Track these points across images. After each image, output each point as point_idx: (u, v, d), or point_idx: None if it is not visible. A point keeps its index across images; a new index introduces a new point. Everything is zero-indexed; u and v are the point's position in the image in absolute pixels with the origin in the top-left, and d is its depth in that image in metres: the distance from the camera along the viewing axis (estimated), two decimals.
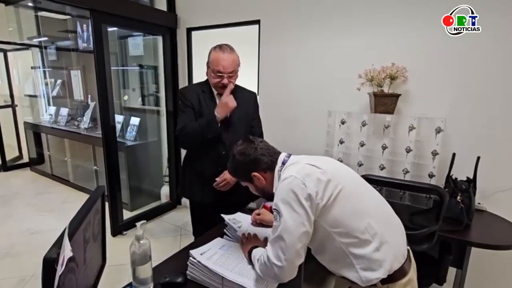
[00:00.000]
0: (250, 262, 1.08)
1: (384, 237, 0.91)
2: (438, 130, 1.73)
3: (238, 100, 1.70)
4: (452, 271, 1.62)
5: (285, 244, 0.89)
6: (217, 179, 1.65)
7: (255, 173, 1.08)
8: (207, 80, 1.68)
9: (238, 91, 1.74)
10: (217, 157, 1.66)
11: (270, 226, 1.26)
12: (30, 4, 3.78)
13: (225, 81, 1.58)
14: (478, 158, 1.59)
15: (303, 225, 0.89)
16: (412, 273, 0.98)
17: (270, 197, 1.09)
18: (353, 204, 0.93)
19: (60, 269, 0.57)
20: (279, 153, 1.12)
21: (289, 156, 1.09)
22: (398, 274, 0.92)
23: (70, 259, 0.65)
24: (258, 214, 1.43)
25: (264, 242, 1.20)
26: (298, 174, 0.92)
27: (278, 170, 1.06)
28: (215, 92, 1.68)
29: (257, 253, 1.05)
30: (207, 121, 1.56)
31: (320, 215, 0.91)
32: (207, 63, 1.63)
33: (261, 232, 1.31)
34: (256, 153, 1.09)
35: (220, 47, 1.58)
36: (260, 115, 1.85)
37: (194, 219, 1.85)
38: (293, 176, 0.92)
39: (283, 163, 1.06)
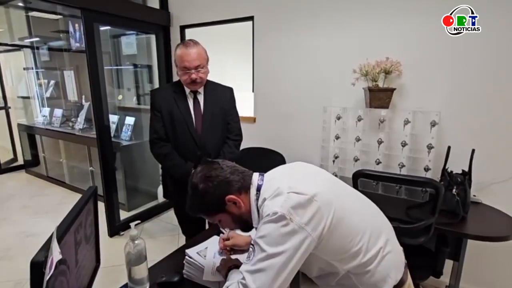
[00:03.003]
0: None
1: (385, 249, 0.87)
2: (433, 124, 1.73)
3: (211, 96, 1.67)
4: (449, 264, 1.63)
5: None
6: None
7: (231, 196, 0.86)
8: (179, 80, 1.65)
9: (212, 87, 1.71)
10: (193, 158, 1.65)
11: (246, 251, 1.08)
12: (21, 4, 3.72)
13: (194, 76, 1.54)
14: (473, 150, 1.59)
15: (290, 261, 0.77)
16: (409, 278, 0.96)
17: (248, 227, 0.94)
18: (349, 227, 0.83)
19: (48, 273, 0.56)
20: (250, 172, 0.93)
21: (262, 178, 0.90)
22: (399, 284, 0.89)
23: (60, 262, 0.64)
24: (227, 239, 1.13)
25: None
26: (283, 209, 0.77)
27: (254, 199, 0.87)
28: (187, 91, 1.65)
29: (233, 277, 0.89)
30: (182, 172, 1.61)
31: (316, 247, 0.81)
32: (174, 61, 1.60)
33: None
34: (225, 172, 0.88)
35: (184, 43, 1.56)
36: (255, 112, 1.83)
37: (179, 219, 1.87)
38: (278, 213, 0.77)
39: (258, 189, 0.87)
